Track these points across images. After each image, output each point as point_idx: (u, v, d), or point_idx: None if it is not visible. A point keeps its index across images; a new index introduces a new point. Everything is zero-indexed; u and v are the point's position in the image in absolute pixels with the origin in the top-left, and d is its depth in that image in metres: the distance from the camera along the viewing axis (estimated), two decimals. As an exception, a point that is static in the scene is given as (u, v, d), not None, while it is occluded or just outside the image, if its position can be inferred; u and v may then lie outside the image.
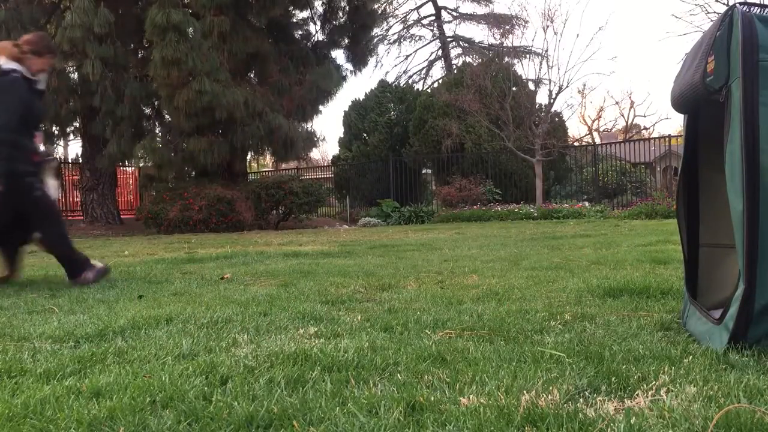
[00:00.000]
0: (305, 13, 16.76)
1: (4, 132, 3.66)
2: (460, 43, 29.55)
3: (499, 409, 1.29)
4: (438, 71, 29.65)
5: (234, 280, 3.88)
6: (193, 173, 15.33)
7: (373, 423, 1.25)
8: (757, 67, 1.60)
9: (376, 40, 23.10)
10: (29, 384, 1.62)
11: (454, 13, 29.64)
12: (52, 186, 3.95)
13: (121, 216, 16.58)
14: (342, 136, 22.14)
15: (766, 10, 1.65)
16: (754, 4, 1.66)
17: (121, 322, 2.40)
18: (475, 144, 17.77)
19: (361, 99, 21.71)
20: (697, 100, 1.86)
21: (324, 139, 27.15)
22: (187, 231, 13.04)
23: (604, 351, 1.73)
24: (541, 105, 18.04)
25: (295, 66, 15.39)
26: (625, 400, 1.36)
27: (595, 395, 1.39)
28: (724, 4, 16.35)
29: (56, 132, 16.40)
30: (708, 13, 17.44)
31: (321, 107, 16.35)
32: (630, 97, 40.54)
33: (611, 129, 31.39)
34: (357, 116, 21.34)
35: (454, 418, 1.27)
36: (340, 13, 16.78)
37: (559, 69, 33.50)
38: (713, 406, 1.27)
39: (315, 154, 27.74)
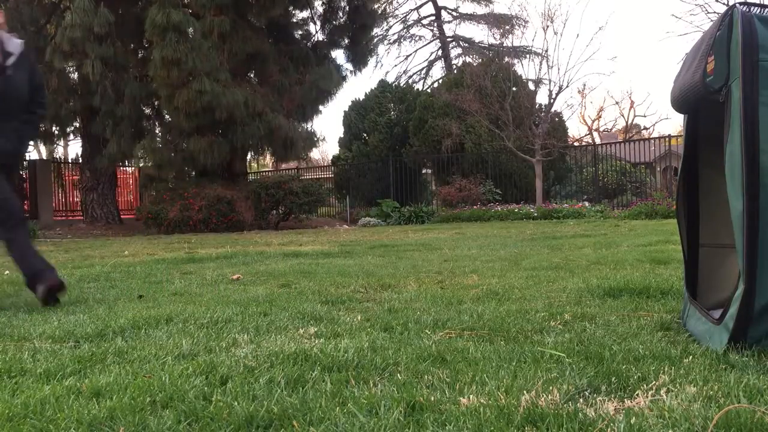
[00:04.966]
0: (305, 13, 16.77)
1: None
2: (460, 43, 29.52)
3: (499, 409, 1.29)
4: (438, 71, 29.64)
5: (235, 280, 3.88)
6: (193, 173, 15.33)
7: (373, 423, 1.25)
8: (757, 67, 1.60)
9: (376, 40, 23.09)
10: (29, 384, 1.62)
11: (454, 13, 29.63)
12: None
13: (121, 216, 16.57)
14: (342, 136, 22.13)
15: (766, 10, 1.65)
16: (754, 4, 1.66)
17: (121, 322, 2.40)
18: (475, 144, 17.76)
19: (361, 99, 21.68)
20: (697, 100, 1.86)
21: (324, 139, 27.12)
22: (187, 231, 13.03)
23: (604, 351, 1.73)
24: (541, 105, 18.04)
25: (295, 66, 15.38)
26: (625, 400, 1.36)
27: (595, 395, 1.39)
28: (724, 4, 16.33)
29: (56, 132, 16.41)
30: (708, 13, 17.42)
31: (321, 107, 16.36)
32: (630, 97, 40.52)
33: (611, 129, 31.37)
34: (357, 116, 21.32)
35: (454, 418, 1.27)
36: (340, 13, 16.78)
37: (559, 69, 33.45)
38: (713, 406, 1.27)
39: (315, 154, 27.75)
